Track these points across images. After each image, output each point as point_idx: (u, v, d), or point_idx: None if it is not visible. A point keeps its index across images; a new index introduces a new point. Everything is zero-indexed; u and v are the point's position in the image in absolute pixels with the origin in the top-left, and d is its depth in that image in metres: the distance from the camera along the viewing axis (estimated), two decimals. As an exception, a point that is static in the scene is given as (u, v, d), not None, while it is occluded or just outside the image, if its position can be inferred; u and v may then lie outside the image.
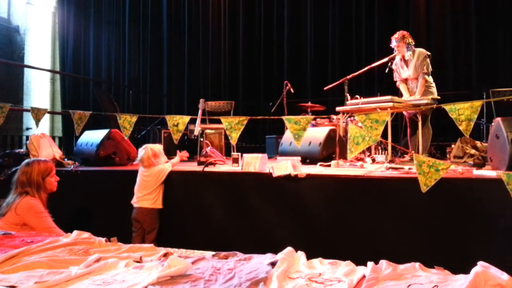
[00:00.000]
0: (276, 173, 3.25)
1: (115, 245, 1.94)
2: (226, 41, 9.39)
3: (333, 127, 4.72)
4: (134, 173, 3.73)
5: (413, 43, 4.99)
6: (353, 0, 8.15)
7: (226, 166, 4.11)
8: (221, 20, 9.47)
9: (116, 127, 4.28)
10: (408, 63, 5.02)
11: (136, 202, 3.62)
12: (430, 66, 4.91)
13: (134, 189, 3.67)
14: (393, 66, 5.17)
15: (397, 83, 5.26)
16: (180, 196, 3.73)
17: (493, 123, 3.37)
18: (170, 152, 3.92)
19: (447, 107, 2.55)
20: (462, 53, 7.34)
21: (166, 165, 3.67)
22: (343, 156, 4.04)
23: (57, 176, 3.10)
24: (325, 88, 5.42)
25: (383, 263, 1.56)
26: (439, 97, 4.87)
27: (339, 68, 8.03)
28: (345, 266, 1.61)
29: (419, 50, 4.95)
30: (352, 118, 5.10)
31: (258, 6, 9.06)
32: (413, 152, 4.44)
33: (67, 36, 11.00)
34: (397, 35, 4.97)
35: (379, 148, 5.23)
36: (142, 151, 3.64)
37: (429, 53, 4.95)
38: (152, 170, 3.60)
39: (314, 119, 5.55)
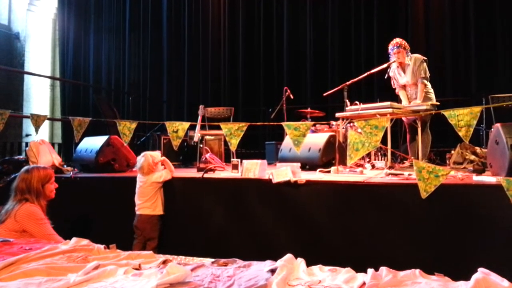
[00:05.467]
0: (275, 179, 3.25)
1: (114, 252, 1.94)
2: (226, 47, 9.42)
3: (332, 133, 4.73)
4: (134, 179, 3.72)
5: (409, 49, 5.03)
6: (352, 7, 8.20)
7: (225, 173, 4.11)
8: (221, 26, 9.51)
9: (115, 133, 4.28)
10: (405, 69, 5.04)
11: (137, 210, 3.62)
12: (427, 71, 4.93)
13: (135, 198, 3.66)
14: (391, 74, 5.19)
15: (396, 90, 5.27)
16: (180, 202, 3.73)
17: (492, 129, 3.37)
18: (170, 159, 3.92)
19: (446, 113, 2.56)
20: (461, 59, 7.36)
21: (163, 172, 3.67)
22: (343, 162, 4.03)
23: (56, 183, 3.09)
24: (324, 94, 5.43)
25: (383, 270, 1.56)
26: (438, 103, 4.88)
27: (339, 74, 8.05)
28: (345, 273, 1.60)
29: (415, 55, 4.98)
30: (351, 124, 5.10)
31: (257, 11, 9.10)
32: (412, 158, 4.44)
33: (67, 43, 11.04)
34: (395, 42, 5.00)
35: (379, 154, 5.23)
36: (141, 159, 3.63)
37: (425, 58, 4.97)
38: (149, 177, 3.60)
39: (314, 125, 5.55)
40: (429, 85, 4.99)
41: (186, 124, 3.65)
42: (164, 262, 1.75)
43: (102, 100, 8.63)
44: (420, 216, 2.82)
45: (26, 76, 10.41)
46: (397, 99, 5.27)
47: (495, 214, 2.60)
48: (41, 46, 11.03)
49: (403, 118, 5.06)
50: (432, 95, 4.97)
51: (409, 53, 5.00)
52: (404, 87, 5.17)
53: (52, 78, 11.19)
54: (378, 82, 7.02)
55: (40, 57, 10.97)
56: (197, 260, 1.85)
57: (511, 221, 2.54)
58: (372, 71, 5.15)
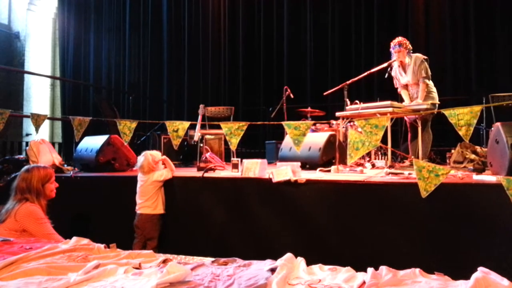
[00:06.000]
0: (276, 179, 3.25)
1: (114, 252, 1.94)
2: (226, 46, 9.42)
3: (332, 133, 4.73)
4: (134, 179, 3.73)
5: (411, 49, 5.01)
6: (352, 6, 8.19)
7: (225, 172, 4.11)
8: (221, 25, 9.50)
9: (116, 132, 4.28)
10: (406, 69, 5.03)
11: (138, 209, 3.63)
12: (428, 70, 4.91)
13: (136, 197, 3.67)
14: (392, 73, 5.18)
15: (398, 90, 5.27)
16: (180, 201, 3.73)
17: (492, 128, 3.37)
18: (170, 158, 3.94)
19: (446, 112, 2.56)
20: (461, 58, 7.35)
21: (164, 171, 3.67)
22: (343, 161, 4.03)
23: (56, 182, 3.09)
24: (324, 94, 5.42)
25: (383, 269, 1.56)
26: (438, 102, 4.88)
27: (339, 73, 8.05)
28: (345, 272, 1.60)
29: (415, 55, 4.96)
30: (351, 124, 5.10)
31: (257, 10, 9.09)
32: (413, 157, 4.44)
33: (68, 42, 11.04)
34: (397, 40, 4.98)
35: (379, 153, 5.23)
36: (141, 158, 3.64)
37: (425, 57, 4.95)
38: (150, 176, 3.60)
39: (314, 124, 5.55)
40: (431, 84, 4.97)
41: (186, 124, 3.65)
42: (164, 261, 1.75)
43: (102, 100, 8.64)
44: (420, 215, 2.82)
45: (26, 76, 10.41)
46: (397, 98, 5.27)
47: (495, 213, 2.60)
48: (41, 45, 11.02)
49: (405, 117, 5.05)
50: (434, 94, 4.95)
51: (410, 53, 4.99)
52: (406, 86, 5.16)
53: (52, 77, 11.19)
54: (378, 81, 7.03)
55: (40, 57, 10.96)
56: (197, 259, 1.85)
57: (511, 220, 2.54)
58: (372, 70, 5.14)
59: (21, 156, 5.40)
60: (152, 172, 3.61)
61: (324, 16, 8.44)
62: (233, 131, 3.36)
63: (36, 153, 4.66)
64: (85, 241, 2.02)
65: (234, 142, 3.37)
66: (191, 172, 4.17)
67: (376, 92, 7.08)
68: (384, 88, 6.13)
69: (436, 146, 5.56)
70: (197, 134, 4.86)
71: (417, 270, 1.55)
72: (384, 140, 3.30)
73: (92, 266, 1.65)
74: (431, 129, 4.90)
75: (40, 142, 4.82)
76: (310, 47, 8.57)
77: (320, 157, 4.36)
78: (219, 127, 3.55)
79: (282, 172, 3.26)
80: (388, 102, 4.51)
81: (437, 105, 4.82)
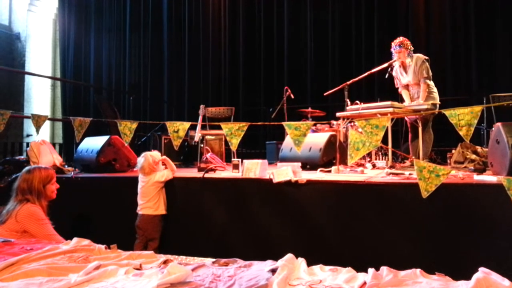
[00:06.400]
0: (276, 179, 3.25)
1: (115, 252, 1.94)
2: (227, 46, 9.42)
3: (333, 133, 4.72)
4: (134, 179, 3.73)
5: (412, 49, 5.01)
6: (352, 6, 8.19)
7: (226, 172, 4.11)
8: (221, 26, 9.51)
9: (116, 133, 4.28)
10: (407, 69, 5.03)
11: (139, 210, 3.63)
12: (429, 70, 4.91)
13: (137, 198, 3.66)
14: (393, 73, 5.18)
15: (399, 90, 5.26)
16: (180, 202, 3.73)
17: (493, 128, 3.37)
18: (170, 159, 3.94)
19: (447, 112, 2.55)
20: (462, 58, 7.35)
21: (165, 172, 3.67)
22: (344, 161, 4.03)
23: (57, 183, 3.09)
24: (325, 94, 5.42)
25: (384, 269, 1.55)
26: (439, 103, 4.87)
27: (339, 73, 8.05)
28: (346, 272, 1.60)
29: (416, 55, 4.96)
30: (352, 124, 5.10)
31: (258, 11, 9.10)
32: (413, 157, 4.43)
33: (68, 43, 11.05)
34: (398, 40, 4.98)
35: (380, 153, 5.22)
36: (141, 159, 3.64)
37: (427, 57, 4.95)
38: (151, 177, 3.60)
39: (314, 124, 5.55)
40: (432, 84, 4.97)
41: (186, 124, 3.65)
42: (165, 262, 1.75)
43: (103, 100, 8.64)
44: (420, 216, 2.82)
45: (26, 77, 10.42)
46: (398, 98, 5.27)
47: (496, 214, 2.60)
48: (41, 46, 11.04)
49: (406, 117, 5.05)
50: (435, 95, 4.95)
51: (411, 53, 4.98)
52: (407, 86, 5.16)
53: (53, 78, 11.21)
54: (379, 82, 7.02)
55: (40, 58, 10.98)
56: (198, 260, 1.85)
57: (512, 220, 2.54)
58: (373, 70, 5.14)
59: (22, 157, 5.40)
60: (153, 173, 3.61)
61: (324, 15, 8.44)
62: (233, 132, 3.36)
63: (37, 154, 4.66)
64: (86, 242, 2.02)
65: (234, 143, 3.37)
66: (191, 172, 4.17)
67: (377, 92, 7.08)
68: (384, 88, 6.12)
69: (436, 146, 5.55)
70: (197, 134, 4.87)
71: (418, 270, 1.54)
72: (384, 140, 3.30)
73: (92, 267, 1.65)
74: (432, 129, 4.90)
75: (41, 143, 4.82)
76: (311, 47, 8.58)
77: (321, 157, 4.36)
78: (219, 128, 3.55)
79: (282, 172, 3.26)
80: (388, 103, 4.50)
81: (437, 105, 4.82)
